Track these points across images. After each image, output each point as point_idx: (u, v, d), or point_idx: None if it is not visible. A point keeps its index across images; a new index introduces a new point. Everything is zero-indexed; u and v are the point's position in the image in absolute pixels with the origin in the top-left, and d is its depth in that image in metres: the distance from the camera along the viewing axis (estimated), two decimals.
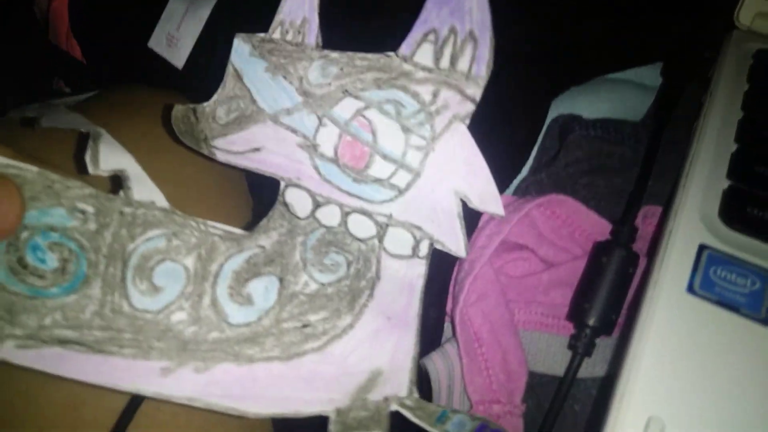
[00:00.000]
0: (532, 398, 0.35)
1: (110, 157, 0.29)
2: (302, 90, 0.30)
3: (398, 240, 0.31)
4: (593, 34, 0.39)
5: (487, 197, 0.30)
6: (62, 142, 0.32)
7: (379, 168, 0.30)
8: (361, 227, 0.31)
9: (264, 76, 0.30)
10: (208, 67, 0.37)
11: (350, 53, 0.30)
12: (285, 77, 0.30)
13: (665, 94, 0.40)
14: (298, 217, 0.31)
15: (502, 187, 0.37)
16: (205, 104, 0.30)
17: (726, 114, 0.34)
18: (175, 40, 0.38)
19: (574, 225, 0.35)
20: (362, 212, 0.31)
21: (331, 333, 0.29)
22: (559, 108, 0.39)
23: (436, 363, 0.33)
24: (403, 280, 0.30)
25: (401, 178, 0.30)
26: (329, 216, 0.31)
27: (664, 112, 0.37)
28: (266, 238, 0.30)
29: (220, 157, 0.31)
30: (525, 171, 0.39)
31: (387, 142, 0.30)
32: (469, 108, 0.29)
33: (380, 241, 0.31)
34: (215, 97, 0.30)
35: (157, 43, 0.39)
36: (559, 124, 0.38)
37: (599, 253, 0.33)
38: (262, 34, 0.31)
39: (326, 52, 0.30)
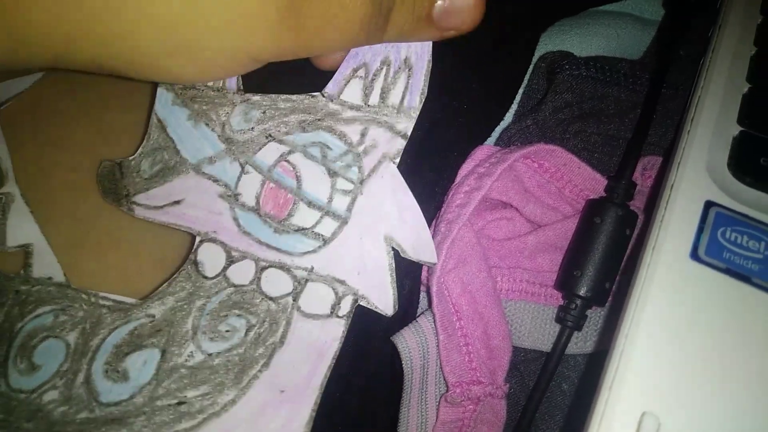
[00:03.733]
0: (515, 377, 0.32)
1: (17, 231, 0.29)
2: (225, 137, 0.29)
3: (316, 297, 0.28)
4: None
5: (420, 244, 0.28)
6: None
7: (303, 216, 0.28)
8: (276, 284, 0.29)
9: (186, 124, 0.29)
10: None
11: (273, 95, 0.29)
12: (207, 124, 0.29)
13: (668, 27, 0.36)
14: (206, 277, 0.29)
15: (483, 135, 0.33)
16: (131, 157, 0.29)
17: (737, 50, 0.30)
18: None
19: (563, 180, 0.31)
20: (280, 266, 0.29)
21: (209, 411, 0.27)
22: (547, 45, 0.35)
23: (408, 340, 0.30)
24: (314, 344, 0.28)
25: (327, 227, 0.28)
26: (241, 273, 0.29)
27: (667, 49, 0.33)
28: (159, 306, 0.28)
29: (138, 213, 0.29)
30: (509, 118, 0.34)
31: (311, 187, 0.28)
32: (400, 145, 0.28)
33: (295, 299, 0.28)
34: (140, 149, 0.29)
35: None
36: (547, 63, 0.34)
37: (592, 212, 0.30)
38: None
39: (248, 95, 0.29)
